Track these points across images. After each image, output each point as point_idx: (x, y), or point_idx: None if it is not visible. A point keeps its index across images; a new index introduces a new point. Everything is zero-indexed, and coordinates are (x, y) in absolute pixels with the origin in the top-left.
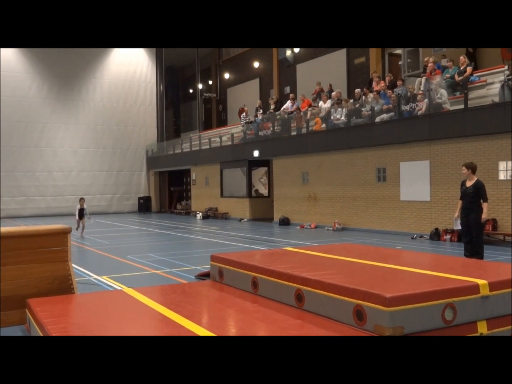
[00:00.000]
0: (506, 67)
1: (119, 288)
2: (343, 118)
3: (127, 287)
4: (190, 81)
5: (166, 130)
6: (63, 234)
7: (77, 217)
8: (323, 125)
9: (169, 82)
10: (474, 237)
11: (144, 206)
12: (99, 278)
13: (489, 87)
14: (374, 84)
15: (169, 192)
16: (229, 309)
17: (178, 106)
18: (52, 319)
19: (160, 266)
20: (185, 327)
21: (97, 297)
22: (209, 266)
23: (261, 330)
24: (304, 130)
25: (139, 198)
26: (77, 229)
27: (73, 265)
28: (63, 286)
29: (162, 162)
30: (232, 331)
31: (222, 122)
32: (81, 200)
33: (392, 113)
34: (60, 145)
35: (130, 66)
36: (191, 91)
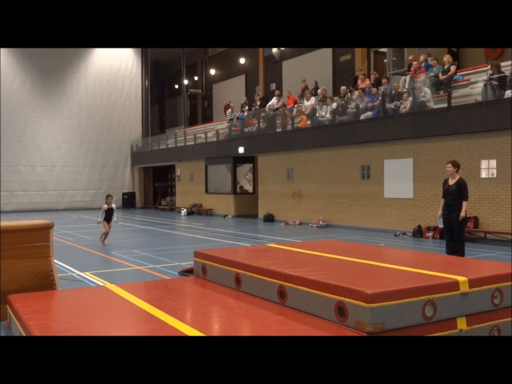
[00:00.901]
0: (489, 66)
1: (101, 284)
2: (328, 115)
3: (110, 283)
4: (175, 77)
5: (151, 125)
6: (46, 229)
7: (102, 219)
8: (308, 122)
9: (155, 78)
10: (455, 234)
11: (128, 202)
12: (81, 274)
13: (473, 86)
14: (359, 81)
15: (153, 188)
16: (212, 305)
17: (163, 101)
18: (33, 315)
19: (143, 262)
20: (168, 323)
21: (79, 293)
22: (193, 262)
23: (244, 326)
24: (289, 127)
25: (123, 194)
26: (104, 235)
27: (56, 261)
28: (45, 282)
29: (146, 157)
30: (215, 328)
31: (208, 118)
32: (109, 197)
33: (375, 111)
34: (44, 140)
35: (115, 61)
36: (176, 86)
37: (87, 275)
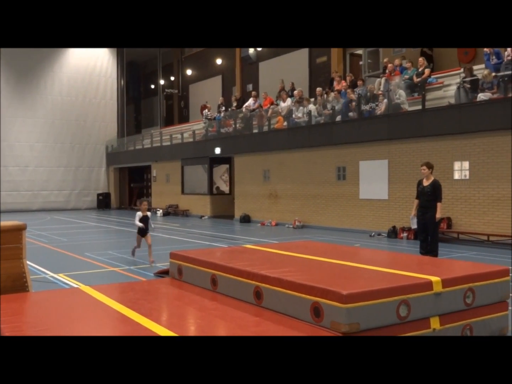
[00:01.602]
0: (462, 69)
1: (75, 286)
2: (304, 117)
3: (84, 285)
4: (151, 77)
5: (126, 125)
6: (18, 231)
7: (140, 224)
8: (285, 123)
9: (130, 77)
10: (429, 235)
11: (103, 202)
12: (55, 276)
13: (446, 89)
14: (335, 83)
15: (129, 188)
16: (188, 306)
17: (139, 101)
18: (5, 318)
19: (118, 264)
20: (143, 325)
21: (52, 295)
22: (168, 263)
23: (220, 328)
24: (265, 128)
25: (98, 195)
26: (136, 248)
27: (29, 262)
28: (17, 284)
29: (122, 158)
30: (190, 329)
31: (184, 118)
32: (144, 203)
33: (351, 113)
34: (17, 139)
35: (90, 60)
36: (152, 86)
37: (61, 277)
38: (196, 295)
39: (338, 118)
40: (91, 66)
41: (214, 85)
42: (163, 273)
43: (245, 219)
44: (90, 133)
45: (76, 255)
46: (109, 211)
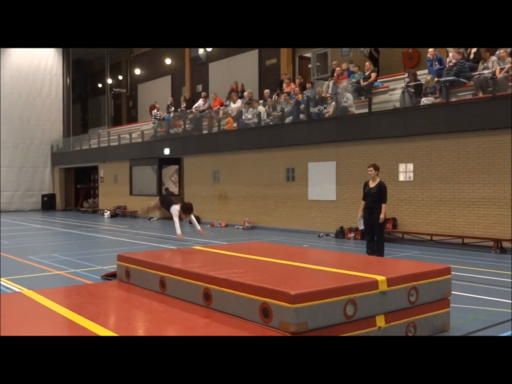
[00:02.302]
0: (406, 74)
1: (18, 290)
2: (254, 118)
3: (27, 289)
4: (99, 75)
5: (73, 125)
6: None
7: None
8: (235, 125)
9: (77, 76)
10: (375, 235)
11: (48, 204)
12: None
13: (391, 93)
14: (284, 85)
15: (75, 189)
16: (136, 309)
17: (86, 100)
18: None
19: (64, 267)
20: (90, 329)
21: None
22: (116, 266)
23: (168, 330)
24: (215, 129)
25: (43, 196)
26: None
27: None
28: None
29: (68, 158)
30: (138, 332)
31: (133, 118)
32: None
33: (301, 115)
34: None
35: (34, 58)
36: (100, 85)
37: (3, 281)
38: (144, 297)
39: (288, 120)
40: (35, 64)
41: (163, 85)
42: (110, 276)
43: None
44: (34, 132)
45: (18, 259)
46: (54, 213)
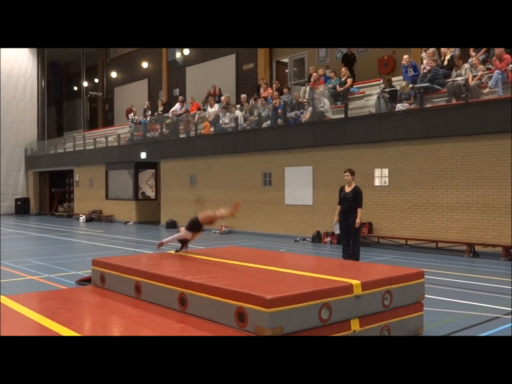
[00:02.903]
0: (382, 80)
1: None
2: (231, 123)
3: (0, 295)
4: (74, 78)
5: (47, 128)
6: None
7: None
8: (212, 129)
9: (52, 78)
10: (351, 239)
11: (22, 208)
12: None
13: (367, 99)
14: (261, 90)
15: (50, 193)
16: (111, 314)
17: (61, 103)
18: None
19: (37, 272)
20: (63, 335)
21: None
22: (91, 271)
23: (143, 335)
24: (192, 133)
25: (16, 200)
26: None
27: None
28: None
29: (42, 161)
30: None
31: (109, 122)
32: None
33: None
34: None
35: (8, 59)
36: (75, 88)
37: None
38: (119, 302)
39: (265, 124)
40: (8, 65)
41: (140, 88)
42: (85, 281)
43: (172, 225)
44: (7, 135)
45: None
46: (28, 217)
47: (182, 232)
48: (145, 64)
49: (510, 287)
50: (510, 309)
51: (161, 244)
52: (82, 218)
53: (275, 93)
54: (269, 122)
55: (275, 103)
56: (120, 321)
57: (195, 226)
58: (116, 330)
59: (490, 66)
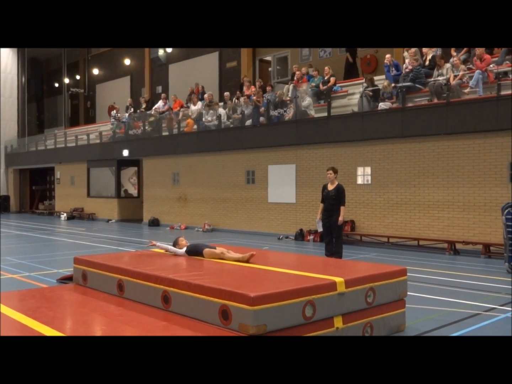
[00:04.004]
0: (364, 79)
1: None
2: (214, 121)
3: None
4: (55, 75)
5: (28, 125)
6: None
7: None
8: (195, 127)
9: (32, 74)
10: (334, 237)
11: (2, 205)
12: None
13: (350, 97)
14: (245, 88)
15: (30, 191)
16: (93, 313)
17: (42, 100)
18: None
19: (18, 270)
20: (45, 334)
21: None
22: (72, 269)
23: (126, 334)
24: (175, 131)
25: None
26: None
27: None
28: None
29: (23, 159)
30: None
31: (90, 119)
32: (181, 239)
33: (256, 117)
34: None
35: None
36: (56, 85)
37: None
38: (101, 301)
39: (248, 122)
40: None
41: (122, 85)
42: (67, 279)
43: (154, 223)
44: None
45: None
46: (8, 215)
47: (180, 252)
48: (127, 61)
49: (491, 284)
50: (490, 305)
51: (153, 245)
52: (64, 216)
53: (259, 91)
54: (251, 120)
55: (259, 102)
56: (102, 320)
57: (194, 255)
58: (98, 328)
59: (471, 66)
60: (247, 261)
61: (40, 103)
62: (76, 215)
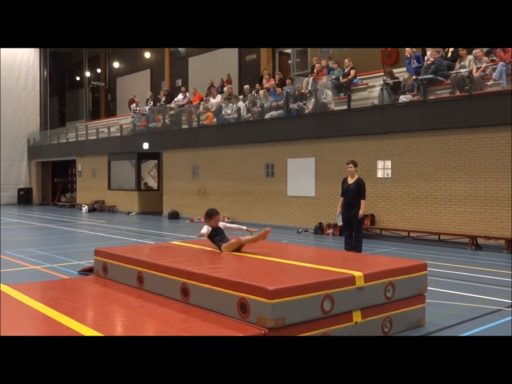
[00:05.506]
0: (384, 72)
1: None
2: (234, 114)
3: (3, 284)
4: (77, 68)
5: (50, 118)
6: None
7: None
8: (214, 120)
9: (54, 68)
10: (354, 231)
11: (24, 198)
12: None
13: (370, 90)
14: (264, 81)
15: (52, 183)
16: (113, 304)
17: (63, 93)
18: None
19: (40, 262)
20: (65, 325)
21: None
22: (93, 261)
23: (146, 326)
24: (195, 124)
25: (19, 190)
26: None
27: None
28: None
29: (45, 151)
30: (115, 328)
31: (111, 112)
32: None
33: (280, 111)
34: None
35: (10, 49)
36: (78, 78)
37: None
38: (121, 293)
39: (267, 115)
40: (11, 56)
41: (142, 79)
42: (88, 271)
43: (174, 216)
44: (10, 125)
45: None
46: (30, 207)
47: (204, 231)
48: (147, 55)
49: (511, 280)
50: (511, 301)
51: (202, 235)
52: (85, 208)
53: (274, 83)
54: (272, 113)
55: (280, 94)
56: (122, 311)
57: (212, 242)
58: (118, 320)
59: (494, 57)
60: (264, 238)
61: (61, 96)
62: (97, 208)
